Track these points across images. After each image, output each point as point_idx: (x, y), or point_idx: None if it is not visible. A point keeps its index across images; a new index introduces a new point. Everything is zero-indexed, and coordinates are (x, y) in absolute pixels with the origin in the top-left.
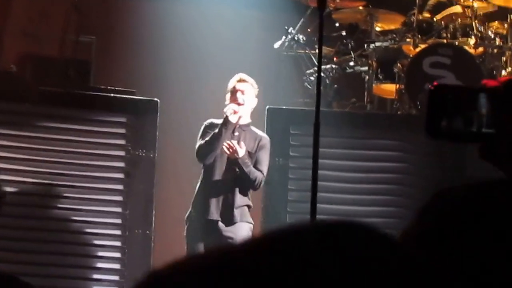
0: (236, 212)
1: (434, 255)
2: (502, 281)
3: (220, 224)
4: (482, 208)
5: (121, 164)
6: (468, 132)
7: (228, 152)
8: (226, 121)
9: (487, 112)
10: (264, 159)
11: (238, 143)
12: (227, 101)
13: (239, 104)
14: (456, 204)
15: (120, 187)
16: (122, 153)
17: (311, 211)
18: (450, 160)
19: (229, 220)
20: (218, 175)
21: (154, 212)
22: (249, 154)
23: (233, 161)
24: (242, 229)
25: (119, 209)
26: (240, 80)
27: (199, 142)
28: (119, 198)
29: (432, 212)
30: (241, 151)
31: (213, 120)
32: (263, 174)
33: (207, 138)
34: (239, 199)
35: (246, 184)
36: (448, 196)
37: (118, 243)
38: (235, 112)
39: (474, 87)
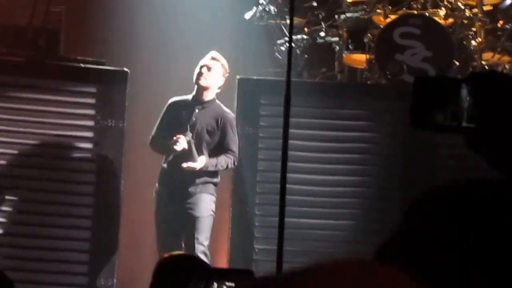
0: (197, 187)
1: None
2: (489, 280)
3: (182, 196)
4: (470, 207)
5: (90, 134)
6: (450, 124)
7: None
8: (189, 101)
9: (469, 104)
10: (231, 137)
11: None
12: (195, 74)
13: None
14: (444, 204)
15: (89, 155)
16: (91, 123)
17: (281, 181)
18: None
19: (190, 193)
20: (179, 154)
21: (122, 181)
22: (208, 132)
23: (197, 137)
24: (203, 199)
25: (89, 178)
26: (212, 58)
27: (157, 127)
28: (89, 167)
29: (419, 212)
30: (199, 164)
31: (176, 99)
32: (233, 153)
33: (167, 118)
34: (200, 176)
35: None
36: (435, 195)
37: (87, 213)
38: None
39: (456, 79)
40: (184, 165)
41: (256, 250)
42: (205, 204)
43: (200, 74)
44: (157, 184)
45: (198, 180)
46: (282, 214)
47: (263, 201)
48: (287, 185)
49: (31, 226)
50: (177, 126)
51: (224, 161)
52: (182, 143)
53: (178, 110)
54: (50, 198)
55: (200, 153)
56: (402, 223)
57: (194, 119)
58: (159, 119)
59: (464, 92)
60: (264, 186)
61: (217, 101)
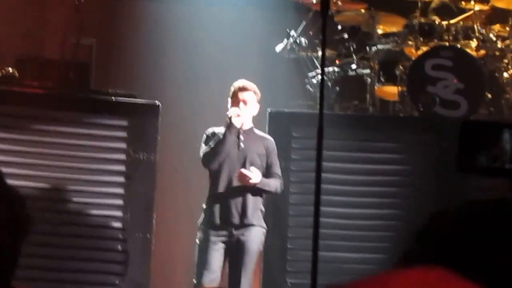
0: (250, 216)
1: None
2: None
3: (234, 229)
4: (479, 228)
5: (122, 168)
6: (494, 167)
7: (242, 182)
8: (230, 125)
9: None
10: (276, 161)
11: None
12: (229, 106)
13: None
14: (453, 224)
15: (120, 191)
16: (122, 156)
17: (314, 214)
18: (453, 162)
19: (243, 224)
20: (228, 180)
21: (154, 216)
22: (259, 156)
23: (243, 163)
24: (256, 232)
25: (119, 213)
26: (243, 89)
27: (204, 149)
28: (120, 202)
29: (430, 234)
30: (257, 177)
31: (215, 129)
32: (280, 177)
33: (211, 144)
34: (252, 203)
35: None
36: (445, 217)
37: (118, 247)
38: (238, 115)
39: (500, 123)
40: (243, 171)
41: (289, 284)
42: (256, 236)
43: (237, 110)
44: (203, 214)
45: (249, 210)
46: (315, 248)
47: (295, 234)
48: (320, 219)
49: (60, 260)
50: (222, 149)
51: (273, 183)
52: (239, 111)
53: (220, 136)
54: (82, 232)
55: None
56: (414, 243)
57: (242, 145)
58: (202, 145)
59: (507, 136)
60: (296, 220)
61: (255, 129)
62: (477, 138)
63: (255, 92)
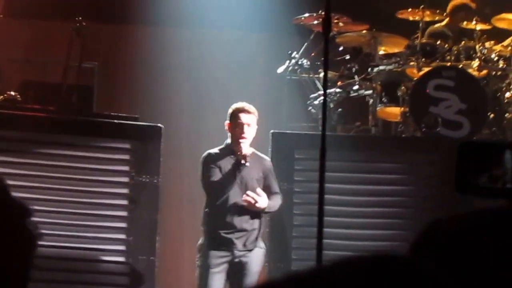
0: (252, 238)
1: None
2: None
3: (235, 251)
4: (475, 239)
5: (125, 191)
6: (495, 188)
7: (250, 207)
8: (240, 150)
9: None
10: (274, 180)
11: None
12: (227, 127)
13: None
14: (449, 235)
15: (124, 213)
16: (126, 179)
17: (317, 236)
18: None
19: (245, 246)
20: (230, 202)
21: (157, 238)
22: (257, 180)
23: (247, 190)
24: (257, 254)
25: (123, 236)
26: (245, 111)
27: (207, 178)
28: (123, 224)
29: (426, 244)
30: (264, 201)
31: (210, 151)
32: (280, 195)
33: (211, 174)
34: (253, 225)
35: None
36: (441, 227)
37: (122, 270)
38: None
39: (500, 143)
40: (250, 194)
41: None
42: (257, 258)
43: (242, 131)
44: (202, 237)
45: (250, 232)
46: None
47: (299, 256)
48: (324, 240)
49: (64, 284)
50: (224, 175)
51: (277, 203)
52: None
53: (220, 161)
54: (86, 255)
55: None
56: (409, 254)
57: (242, 171)
58: (201, 171)
59: (508, 156)
60: (300, 241)
61: (253, 149)
62: (477, 159)
63: (255, 115)
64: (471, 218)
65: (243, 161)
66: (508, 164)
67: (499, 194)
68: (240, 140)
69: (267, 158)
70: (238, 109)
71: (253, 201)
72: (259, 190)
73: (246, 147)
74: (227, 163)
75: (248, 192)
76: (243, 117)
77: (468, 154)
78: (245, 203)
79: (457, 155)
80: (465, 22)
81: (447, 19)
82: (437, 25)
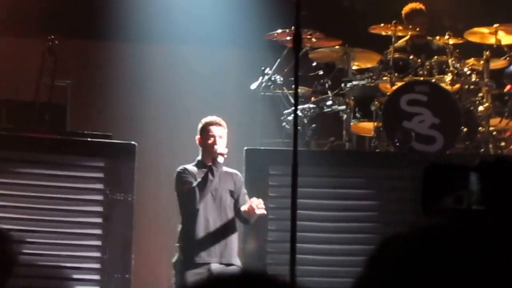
0: (228, 252)
1: None
2: None
3: (213, 266)
4: (426, 255)
5: (99, 209)
6: (460, 210)
7: (250, 215)
8: (216, 163)
9: (478, 189)
10: (245, 195)
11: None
12: (198, 142)
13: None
14: (401, 252)
15: (98, 231)
16: (100, 197)
17: (290, 251)
18: None
19: (222, 258)
20: (204, 218)
21: (133, 256)
22: (230, 192)
23: (221, 204)
24: (233, 271)
25: (97, 254)
26: (217, 124)
27: (183, 186)
28: (98, 242)
29: (379, 261)
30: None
31: (186, 166)
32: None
33: (196, 183)
34: (229, 238)
35: (239, 223)
36: (394, 244)
37: None
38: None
39: (465, 166)
40: (256, 201)
41: None
42: None
43: (214, 143)
44: (176, 253)
45: (227, 249)
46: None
47: (274, 272)
48: (297, 255)
49: None
50: (199, 189)
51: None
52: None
53: (193, 175)
54: (60, 274)
55: (223, 218)
56: (366, 269)
57: (216, 182)
58: (177, 183)
59: (473, 178)
60: (275, 257)
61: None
62: (442, 181)
63: (225, 127)
64: (427, 232)
65: (219, 159)
66: (473, 186)
67: (464, 215)
68: (214, 146)
69: (237, 172)
70: (208, 123)
71: (256, 208)
72: (254, 199)
73: (223, 160)
74: (200, 176)
75: (253, 199)
76: (214, 129)
77: (434, 177)
78: (250, 210)
79: (423, 178)
80: (438, 37)
81: (407, 36)
82: (400, 41)
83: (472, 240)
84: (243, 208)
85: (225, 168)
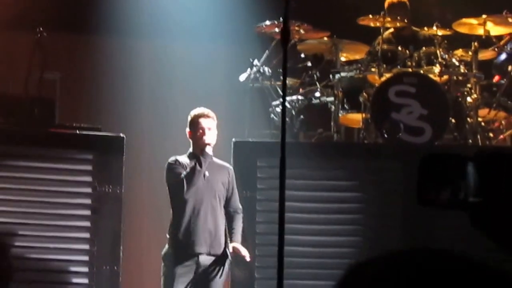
0: (218, 242)
1: None
2: None
3: (202, 258)
4: (399, 280)
5: (88, 201)
6: (456, 201)
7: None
8: (204, 154)
9: (475, 181)
10: (236, 190)
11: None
12: (188, 134)
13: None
14: (372, 277)
15: (87, 224)
16: (88, 190)
17: (278, 243)
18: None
19: (212, 250)
20: (195, 210)
21: (121, 248)
22: (223, 184)
23: (213, 195)
24: (222, 263)
25: (86, 246)
26: (205, 116)
27: (172, 178)
28: (86, 235)
29: (349, 286)
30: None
31: (177, 157)
32: (240, 209)
33: (184, 173)
34: (219, 228)
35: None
36: (364, 268)
37: (85, 281)
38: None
39: (462, 156)
40: (238, 246)
41: None
42: (222, 267)
43: (204, 134)
44: (166, 245)
45: (216, 240)
46: (280, 277)
47: (263, 264)
48: (286, 247)
49: None
50: (189, 181)
51: (241, 226)
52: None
53: (184, 166)
54: (48, 266)
55: (214, 210)
56: None
57: (207, 174)
58: (168, 174)
59: (470, 169)
60: (263, 250)
61: (214, 157)
62: (439, 171)
63: (214, 119)
64: (396, 258)
65: (207, 149)
66: (470, 178)
67: (460, 207)
68: (203, 137)
69: (230, 166)
70: (197, 115)
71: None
72: (237, 245)
73: (211, 151)
74: (191, 168)
75: (235, 245)
76: (203, 121)
77: (430, 167)
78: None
79: (419, 168)
80: (426, 28)
81: (391, 29)
82: (385, 32)
83: (439, 270)
84: (230, 247)
85: (218, 161)
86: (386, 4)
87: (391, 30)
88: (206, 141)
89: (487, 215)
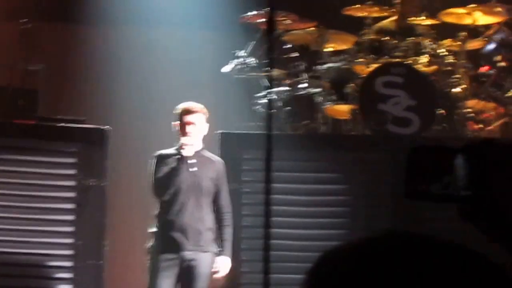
0: (205, 238)
1: None
2: None
3: (186, 252)
4: (372, 266)
5: (72, 194)
6: (446, 194)
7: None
8: (181, 155)
9: (466, 173)
10: (226, 186)
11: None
12: (176, 128)
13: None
14: (344, 263)
15: (71, 217)
16: (72, 183)
17: (264, 236)
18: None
19: (197, 246)
20: (180, 205)
21: (106, 242)
22: (211, 180)
23: (200, 191)
24: (206, 258)
25: (71, 240)
26: (188, 111)
27: (154, 177)
28: (71, 229)
29: (315, 275)
30: (226, 266)
31: (162, 152)
32: (230, 213)
33: (161, 175)
34: (206, 224)
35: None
36: (336, 254)
37: (70, 275)
38: (188, 145)
39: (452, 148)
40: (218, 276)
41: None
42: (207, 261)
43: (185, 132)
44: (152, 239)
45: (200, 234)
46: (266, 270)
47: (248, 257)
48: (271, 241)
49: None
50: (174, 176)
51: (230, 233)
52: (187, 141)
53: (171, 161)
54: (32, 260)
55: (200, 206)
56: (306, 283)
57: (195, 169)
58: (152, 173)
59: (460, 161)
60: (249, 243)
61: (205, 150)
62: (428, 164)
63: (202, 112)
64: (368, 243)
65: (183, 152)
66: (460, 170)
67: (450, 201)
68: (183, 138)
69: (220, 160)
70: (182, 110)
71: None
72: (219, 258)
73: (190, 151)
74: (176, 163)
75: (222, 261)
76: (186, 117)
77: (419, 159)
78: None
79: (407, 159)
80: (413, 17)
81: (394, 16)
82: (384, 21)
83: (412, 254)
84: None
85: (209, 155)
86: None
87: (393, 18)
88: (182, 141)
89: (477, 208)
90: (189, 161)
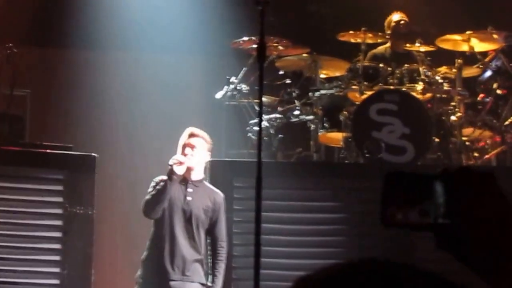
0: (194, 268)
1: None
2: None
3: (172, 284)
4: None
5: (58, 222)
6: (423, 223)
7: None
8: (171, 172)
9: (443, 201)
10: (223, 223)
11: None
12: (178, 155)
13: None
14: None
15: (57, 246)
16: (59, 210)
17: (254, 265)
18: None
19: (184, 275)
20: (170, 233)
21: (93, 271)
22: (204, 211)
23: (192, 220)
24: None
25: (57, 269)
26: (191, 135)
27: (148, 198)
28: (57, 257)
29: None
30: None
31: (163, 177)
32: (224, 244)
33: (152, 192)
34: (196, 255)
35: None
36: (309, 281)
37: None
38: (180, 163)
39: (429, 174)
40: None
41: None
42: None
43: (183, 153)
44: (141, 268)
45: (190, 265)
46: None
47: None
48: (261, 271)
49: None
50: (170, 205)
51: (222, 268)
52: (181, 158)
53: (168, 187)
54: None
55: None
56: None
57: (190, 198)
58: (149, 195)
59: (437, 188)
60: (239, 273)
61: (205, 181)
62: (404, 191)
63: (204, 139)
64: (340, 270)
65: (189, 189)
66: (437, 198)
67: (428, 229)
68: (178, 157)
69: (220, 192)
70: (187, 133)
71: None
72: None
73: (181, 170)
74: (175, 189)
75: None
76: (189, 139)
77: (395, 185)
78: None
79: (383, 186)
80: (408, 44)
81: (388, 43)
82: (379, 48)
83: (387, 282)
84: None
85: (209, 186)
86: (390, 28)
87: (387, 45)
88: (176, 156)
89: (453, 236)
90: (188, 189)
